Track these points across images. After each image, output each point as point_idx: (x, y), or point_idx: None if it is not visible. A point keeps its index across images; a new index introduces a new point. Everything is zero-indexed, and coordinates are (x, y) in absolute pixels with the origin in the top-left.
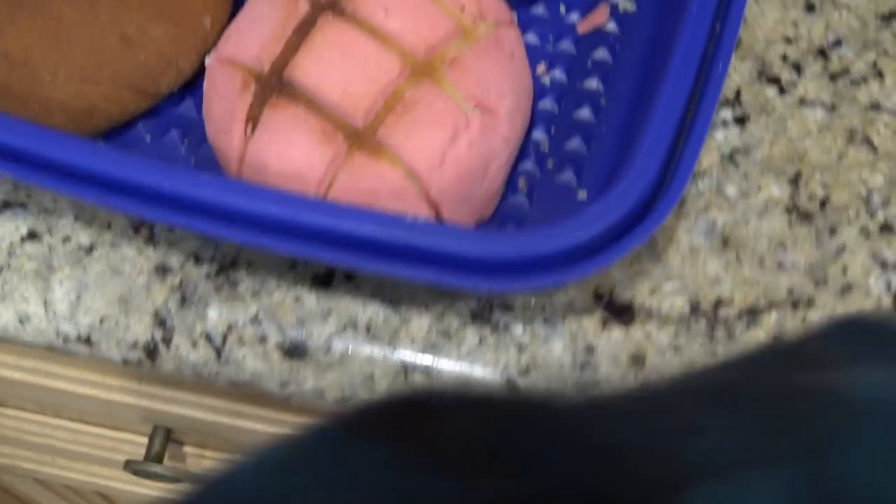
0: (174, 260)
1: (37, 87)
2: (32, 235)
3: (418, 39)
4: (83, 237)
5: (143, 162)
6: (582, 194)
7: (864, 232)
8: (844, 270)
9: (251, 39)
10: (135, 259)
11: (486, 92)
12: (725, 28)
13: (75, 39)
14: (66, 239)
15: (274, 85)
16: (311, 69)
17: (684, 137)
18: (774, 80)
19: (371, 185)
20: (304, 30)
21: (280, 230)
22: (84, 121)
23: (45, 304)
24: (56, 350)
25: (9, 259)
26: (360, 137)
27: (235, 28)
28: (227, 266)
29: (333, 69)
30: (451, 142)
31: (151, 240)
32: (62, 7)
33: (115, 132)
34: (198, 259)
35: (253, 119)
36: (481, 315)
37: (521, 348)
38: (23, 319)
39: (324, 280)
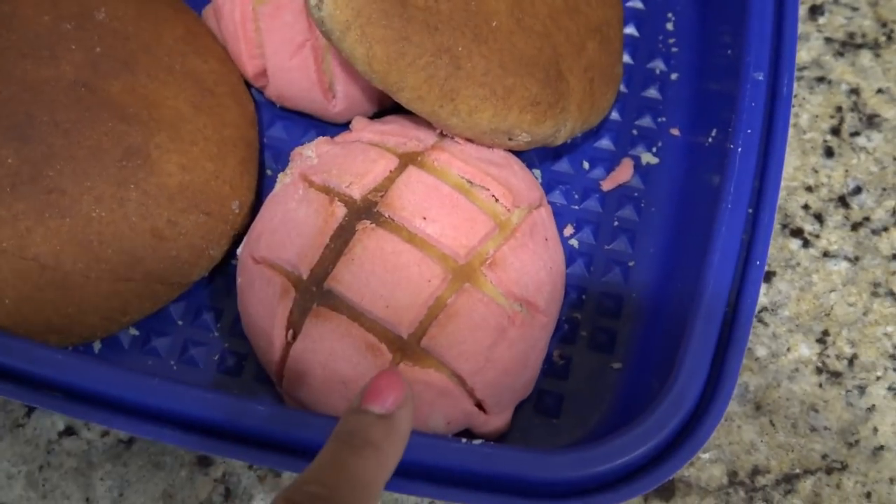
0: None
1: (69, 290)
2: (69, 431)
3: (457, 243)
4: (121, 431)
5: (167, 387)
6: (616, 364)
7: (893, 390)
8: (875, 431)
9: (288, 243)
10: (175, 451)
11: (526, 287)
12: (759, 218)
13: (106, 240)
14: (105, 433)
15: (315, 294)
16: (353, 281)
17: (727, 335)
18: (798, 232)
19: (417, 389)
20: (342, 236)
21: (299, 450)
22: (118, 318)
23: (87, 501)
24: None
25: (47, 457)
26: (405, 347)
27: (269, 226)
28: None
29: (375, 281)
30: (495, 344)
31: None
32: (91, 207)
33: (147, 319)
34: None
35: (293, 325)
36: None
37: None
38: None
39: None
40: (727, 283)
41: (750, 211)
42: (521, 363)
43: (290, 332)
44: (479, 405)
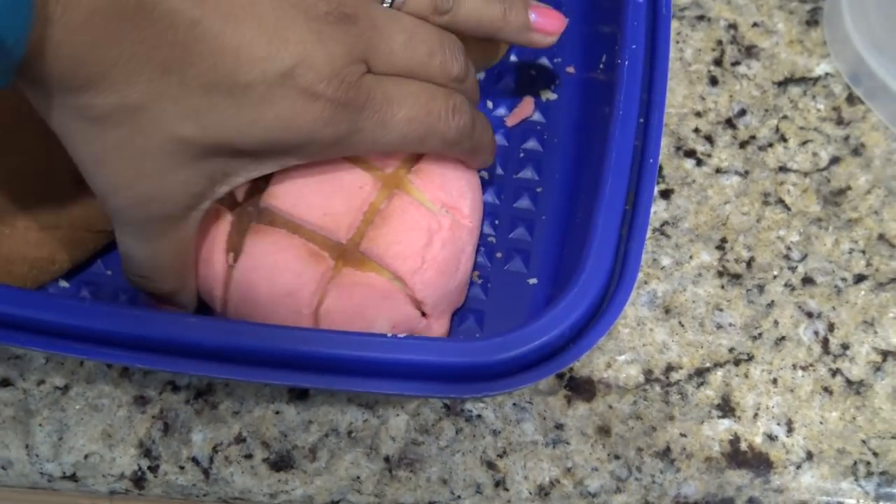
0: (151, 390)
1: None
2: (5, 383)
3: (383, 160)
4: (57, 378)
5: (104, 308)
6: (532, 280)
7: (789, 286)
8: (776, 324)
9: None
10: (112, 393)
11: (450, 193)
12: (650, 122)
13: (30, 188)
14: (41, 382)
15: (252, 214)
16: (288, 195)
17: (627, 232)
18: (691, 153)
19: (360, 293)
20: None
21: (254, 361)
22: (47, 267)
23: (28, 448)
24: (40, 488)
25: None
26: (346, 252)
27: None
28: (204, 390)
29: (310, 192)
30: (428, 244)
31: (126, 372)
32: (13, 158)
33: (77, 270)
34: (175, 386)
35: (233, 248)
36: (454, 407)
37: (495, 434)
38: (5, 465)
39: (300, 392)
40: (624, 182)
41: (641, 120)
42: (454, 265)
43: (231, 255)
44: (420, 308)
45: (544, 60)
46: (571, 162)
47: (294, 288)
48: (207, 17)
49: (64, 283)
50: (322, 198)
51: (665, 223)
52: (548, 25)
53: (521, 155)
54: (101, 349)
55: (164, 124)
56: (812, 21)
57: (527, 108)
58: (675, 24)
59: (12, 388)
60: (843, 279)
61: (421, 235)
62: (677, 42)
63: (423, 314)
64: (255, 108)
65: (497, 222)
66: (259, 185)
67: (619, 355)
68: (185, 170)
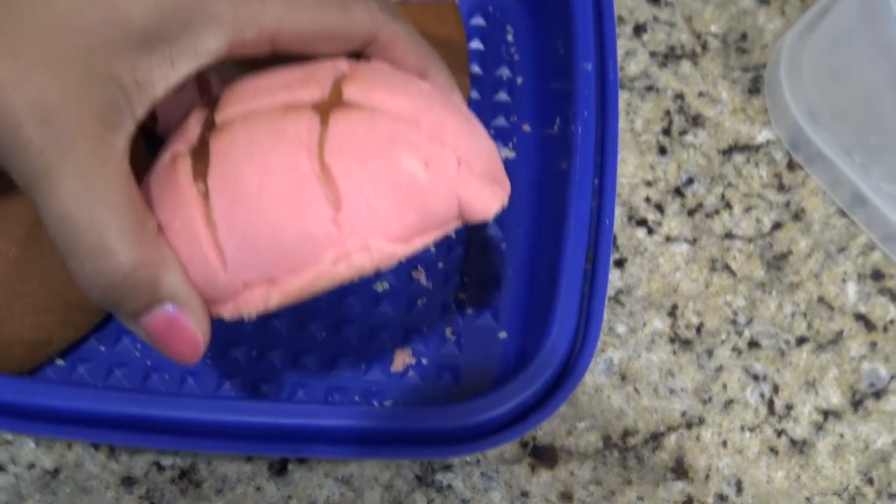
0: (138, 470)
1: None
2: None
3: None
4: (47, 462)
5: (90, 392)
6: (502, 334)
7: (736, 350)
8: (725, 387)
9: (173, 136)
10: (100, 475)
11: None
12: (604, 185)
13: (25, 276)
14: (31, 466)
15: (207, 137)
16: (243, 92)
17: (588, 290)
18: (643, 222)
19: (366, 124)
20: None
21: (235, 434)
22: (43, 349)
23: None
24: None
25: None
26: (329, 102)
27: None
28: (188, 469)
29: (265, 79)
30: (417, 88)
31: (113, 454)
32: (9, 248)
33: (72, 348)
34: (160, 466)
35: (202, 176)
36: (425, 478)
37: (465, 503)
38: None
39: (279, 468)
40: (583, 242)
41: (595, 181)
42: (467, 117)
43: (199, 183)
44: (435, 138)
45: (501, 120)
46: (533, 217)
47: (281, 148)
48: None
49: (60, 362)
50: (279, 77)
51: (619, 291)
52: None
53: (485, 221)
54: (88, 430)
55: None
56: (754, 89)
57: None
58: (625, 95)
59: (4, 473)
60: (787, 341)
61: (408, 83)
62: (628, 113)
63: (443, 142)
64: None
65: (466, 279)
66: (207, 121)
67: (578, 422)
68: (73, 60)
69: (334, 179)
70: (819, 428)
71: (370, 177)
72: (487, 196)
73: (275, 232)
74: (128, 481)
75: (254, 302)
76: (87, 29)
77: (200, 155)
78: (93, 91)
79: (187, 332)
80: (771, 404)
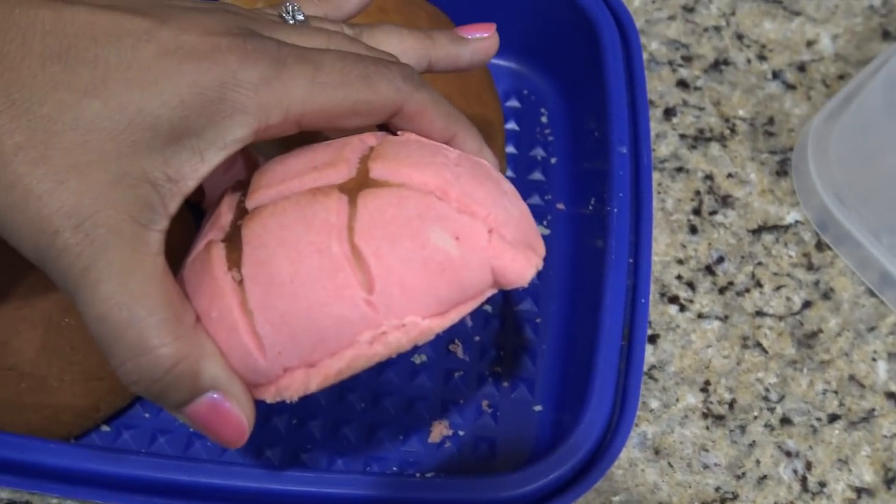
0: None
1: (47, 394)
2: None
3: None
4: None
5: (134, 458)
6: (537, 407)
7: (768, 426)
8: (758, 463)
9: (204, 230)
10: None
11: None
12: (639, 264)
13: (77, 345)
14: None
15: (240, 225)
16: (272, 176)
17: (623, 374)
18: (674, 299)
19: (393, 204)
20: (237, 189)
21: (275, 502)
22: (91, 415)
23: None
24: None
25: None
26: (356, 184)
27: None
28: None
29: (293, 161)
30: (446, 163)
31: None
32: (61, 317)
33: (117, 414)
34: None
35: (236, 263)
36: None
37: None
38: None
39: None
40: (619, 319)
41: (630, 260)
42: (493, 178)
43: (234, 270)
44: (471, 214)
45: (536, 198)
46: (567, 294)
47: (311, 233)
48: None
49: (105, 428)
50: (306, 158)
51: (653, 367)
52: (476, 29)
53: (520, 288)
54: (132, 496)
55: (61, 113)
56: (782, 171)
57: None
58: (656, 176)
59: None
60: (819, 419)
61: (433, 152)
62: (659, 193)
63: (475, 215)
64: (150, 65)
65: (502, 353)
66: (239, 208)
67: (613, 496)
68: (104, 163)
69: (365, 262)
70: None
71: (401, 256)
72: (521, 263)
73: (310, 317)
74: None
75: (294, 386)
76: (116, 133)
77: (234, 242)
78: (125, 192)
79: (231, 417)
80: (804, 481)
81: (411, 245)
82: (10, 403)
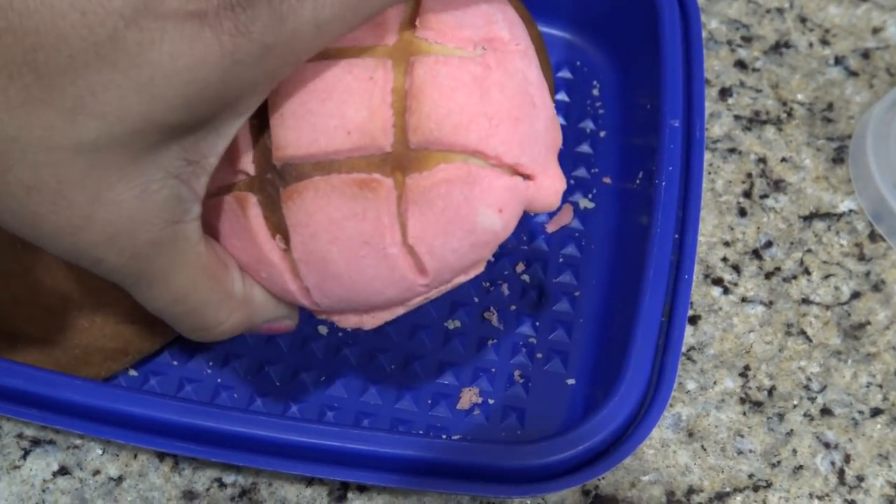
0: (200, 485)
1: (76, 333)
2: (63, 471)
3: (370, 31)
4: (112, 469)
5: (162, 401)
6: (570, 381)
7: (808, 416)
8: (794, 452)
9: (221, 163)
10: (163, 487)
11: (474, 26)
12: (685, 240)
13: (109, 287)
14: (96, 472)
15: (272, 180)
16: (297, 134)
17: (664, 343)
18: (718, 281)
19: (442, 196)
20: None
21: (302, 456)
22: (120, 358)
23: None
24: None
25: (42, 495)
26: (398, 159)
27: None
28: (249, 488)
29: (319, 118)
30: (483, 96)
31: (176, 466)
32: None
33: (145, 360)
34: (222, 483)
35: (277, 229)
36: None
37: None
38: None
39: (339, 496)
40: (661, 295)
41: (676, 236)
42: (527, 101)
43: (278, 237)
44: (518, 172)
45: (582, 171)
46: (608, 268)
47: (366, 233)
48: None
49: (133, 373)
50: (334, 115)
51: (691, 348)
52: None
53: (561, 260)
54: (156, 438)
55: (57, 138)
56: (838, 159)
57: (566, 216)
58: (707, 156)
59: (69, 477)
60: (861, 412)
61: (469, 90)
62: (709, 173)
63: (525, 176)
64: (137, 61)
65: (538, 324)
66: (261, 144)
67: (643, 475)
68: (125, 181)
69: (420, 258)
70: (890, 502)
71: (453, 247)
72: (553, 196)
73: (367, 299)
74: (189, 495)
75: (347, 322)
76: (124, 146)
77: (271, 209)
78: (154, 200)
79: (280, 329)
80: (841, 474)
81: (461, 234)
82: (41, 341)
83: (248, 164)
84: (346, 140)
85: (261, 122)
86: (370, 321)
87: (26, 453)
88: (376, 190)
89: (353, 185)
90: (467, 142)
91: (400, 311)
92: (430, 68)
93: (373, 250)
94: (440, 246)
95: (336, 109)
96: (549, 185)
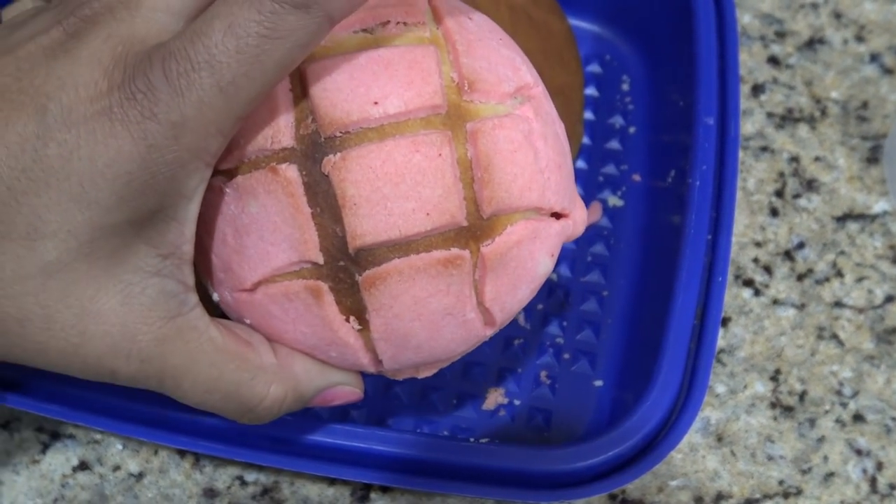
0: (221, 483)
1: None
2: (83, 466)
3: (422, 98)
4: (132, 465)
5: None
6: (598, 382)
7: (840, 422)
8: (826, 459)
9: (269, 243)
10: (183, 484)
11: (506, 76)
12: (719, 241)
13: None
14: (116, 468)
15: (347, 266)
16: (374, 220)
17: (696, 347)
18: (749, 283)
19: (512, 258)
20: (317, 192)
21: (328, 457)
22: None
23: None
24: None
25: (62, 490)
26: (474, 232)
27: (230, 246)
28: (271, 487)
29: (394, 200)
30: (535, 152)
31: (197, 464)
32: None
33: None
34: (243, 481)
35: (353, 313)
36: None
37: None
38: None
39: (362, 496)
40: (694, 297)
41: (709, 237)
42: (561, 146)
43: (353, 319)
44: (559, 214)
45: (611, 168)
46: (637, 268)
47: (448, 306)
48: None
49: None
50: (410, 198)
51: (721, 351)
52: None
53: (589, 259)
54: (177, 436)
55: (26, 267)
56: (872, 158)
57: (595, 214)
58: (739, 154)
59: (90, 473)
60: (894, 418)
61: (525, 150)
62: (741, 172)
63: (559, 216)
64: (65, 173)
65: (565, 324)
66: (332, 232)
67: (671, 480)
68: (103, 291)
69: (493, 316)
70: None
71: (519, 298)
72: (581, 226)
73: (437, 357)
74: (210, 493)
75: (403, 375)
76: (90, 255)
77: (346, 293)
78: (143, 301)
79: (339, 395)
80: (874, 482)
81: (526, 285)
82: None
83: (315, 254)
84: (425, 222)
85: (328, 208)
86: (426, 372)
87: (46, 447)
88: (460, 266)
89: (437, 264)
90: (530, 201)
91: (458, 358)
92: (491, 135)
93: (454, 319)
94: (510, 300)
95: (411, 192)
96: (580, 217)
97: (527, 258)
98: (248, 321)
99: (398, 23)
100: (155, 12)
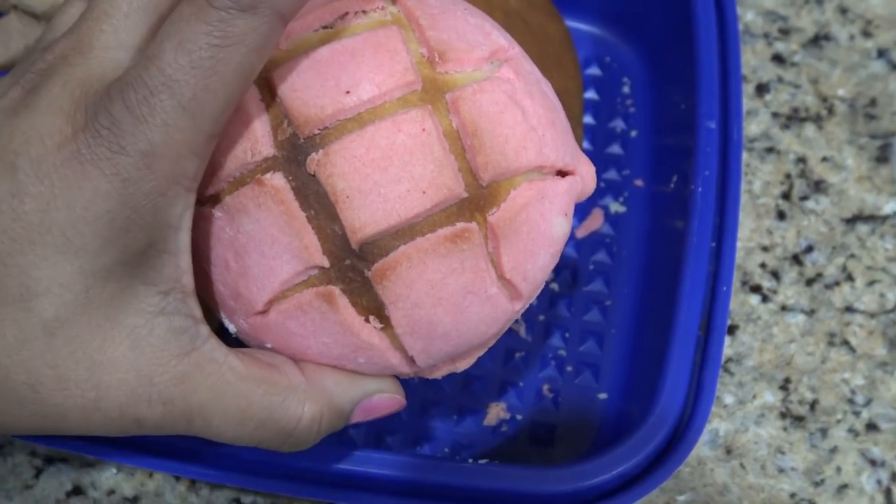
0: None
1: None
2: (77, 491)
3: (396, 77)
4: (127, 489)
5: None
6: (602, 395)
7: (853, 431)
8: (839, 470)
9: (273, 259)
10: None
11: (480, 43)
12: (723, 249)
13: None
14: (111, 492)
15: (353, 265)
16: (372, 211)
17: (701, 359)
18: (757, 289)
19: (523, 223)
20: (307, 195)
21: (322, 482)
22: None
23: None
24: None
25: None
26: (476, 201)
27: (235, 270)
28: None
29: (389, 187)
30: (523, 110)
31: (193, 486)
32: None
33: None
34: (239, 503)
35: (371, 311)
36: None
37: None
38: None
39: None
40: (698, 307)
41: (713, 244)
42: (549, 100)
43: (372, 318)
44: (562, 171)
45: (613, 173)
46: (641, 276)
47: (468, 284)
48: None
49: None
50: (402, 179)
51: (729, 360)
52: None
53: (591, 267)
54: (171, 463)
55: (27, 330)
56: (882, 158)
57: (596, 221)
58: (744, 156)
59: (84, 497)
60: None
61: (512, 109)
62: (746, 174)
63: (564, 173)
64: (46, 226)
65: (567, 335)
66: (331, 233)
67: (679, 495)
68: (110, 339)
69: (517, 287)
70: None
71: (540, 265)
72: (590, 182)
73: (469, 341)
74: None
75: (440, 372)
76: (86, 306)
77: (357, 292)
78: (153, 344)
79: (381, 406)
80: (888, 493)
81: (544, 250)
82: None
83: (319, 257)
84: (423, 200)
85: (323, 209)
86: (464, 364)
87: (39, 472)
88: (469, 239)
89: (444, 242)
90: (529, 161)
91: (493, 342)
92: (472, 101)
93: (476, 298)
94: (531, 268)
95: (402, 173)
96: (587, 172)
97: (539, 220)
98: (269, 345)
99: (357, 12)
100: (107, 51)
